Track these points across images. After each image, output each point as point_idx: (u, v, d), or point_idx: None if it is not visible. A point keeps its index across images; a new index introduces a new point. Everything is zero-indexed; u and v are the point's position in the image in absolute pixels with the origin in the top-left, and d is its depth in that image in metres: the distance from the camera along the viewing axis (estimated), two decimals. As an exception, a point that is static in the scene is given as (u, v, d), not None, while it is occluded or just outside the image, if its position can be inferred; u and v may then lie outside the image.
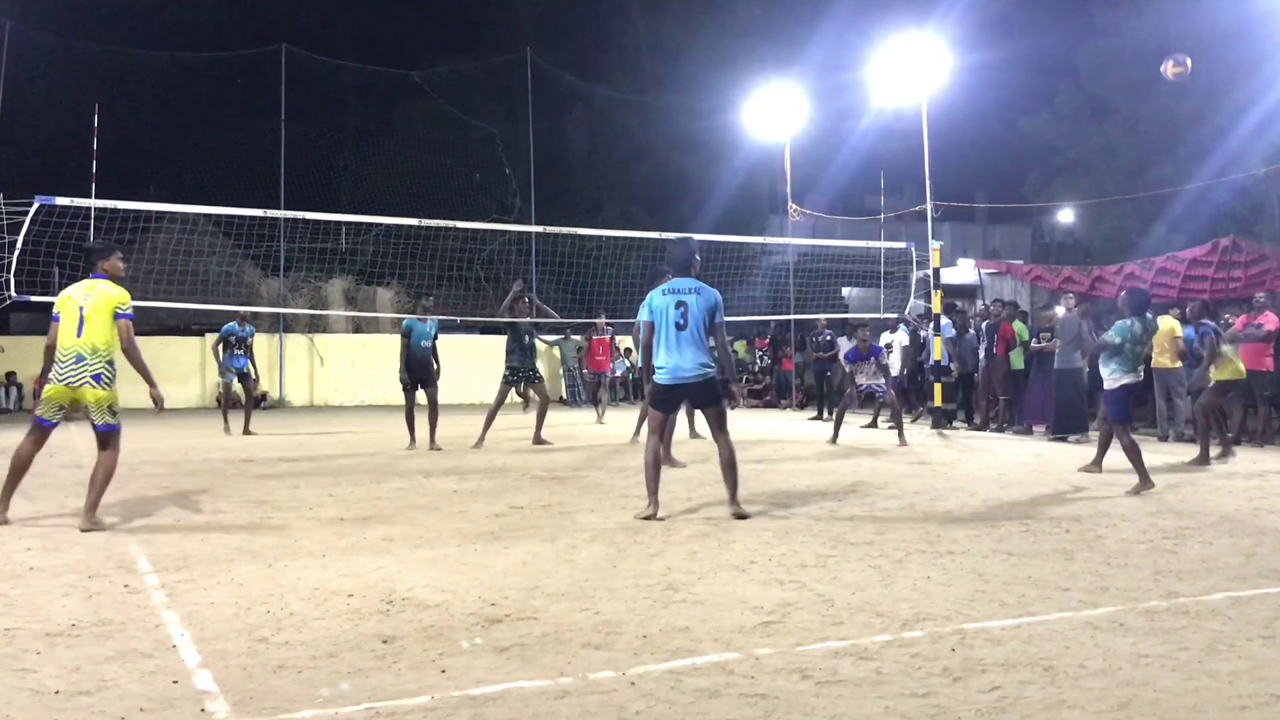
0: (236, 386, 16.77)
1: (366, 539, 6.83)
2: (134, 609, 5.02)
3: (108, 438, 7.49)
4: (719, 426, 7.78)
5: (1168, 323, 14.39)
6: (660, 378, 7.73)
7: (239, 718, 3.56)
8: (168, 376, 25.06)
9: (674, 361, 7.63)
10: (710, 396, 7.78)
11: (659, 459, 7.81)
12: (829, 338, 20.06)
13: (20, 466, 7.65)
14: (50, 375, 7.43)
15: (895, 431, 14.09)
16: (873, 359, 14.76)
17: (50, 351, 7.39)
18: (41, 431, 7.60)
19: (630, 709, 3.63)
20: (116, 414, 7.52)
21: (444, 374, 14.90)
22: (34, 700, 3.72)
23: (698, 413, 12.91)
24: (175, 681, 3.92)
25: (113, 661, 4.17)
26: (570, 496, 8.84)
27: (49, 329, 7.53)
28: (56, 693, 3.80)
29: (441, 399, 14.12)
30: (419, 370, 13.64)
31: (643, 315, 7.84)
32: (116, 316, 7.47)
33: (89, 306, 7.40)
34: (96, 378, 7.36)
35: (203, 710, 3.63)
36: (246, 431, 16.00)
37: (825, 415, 19.40)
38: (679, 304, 7.61)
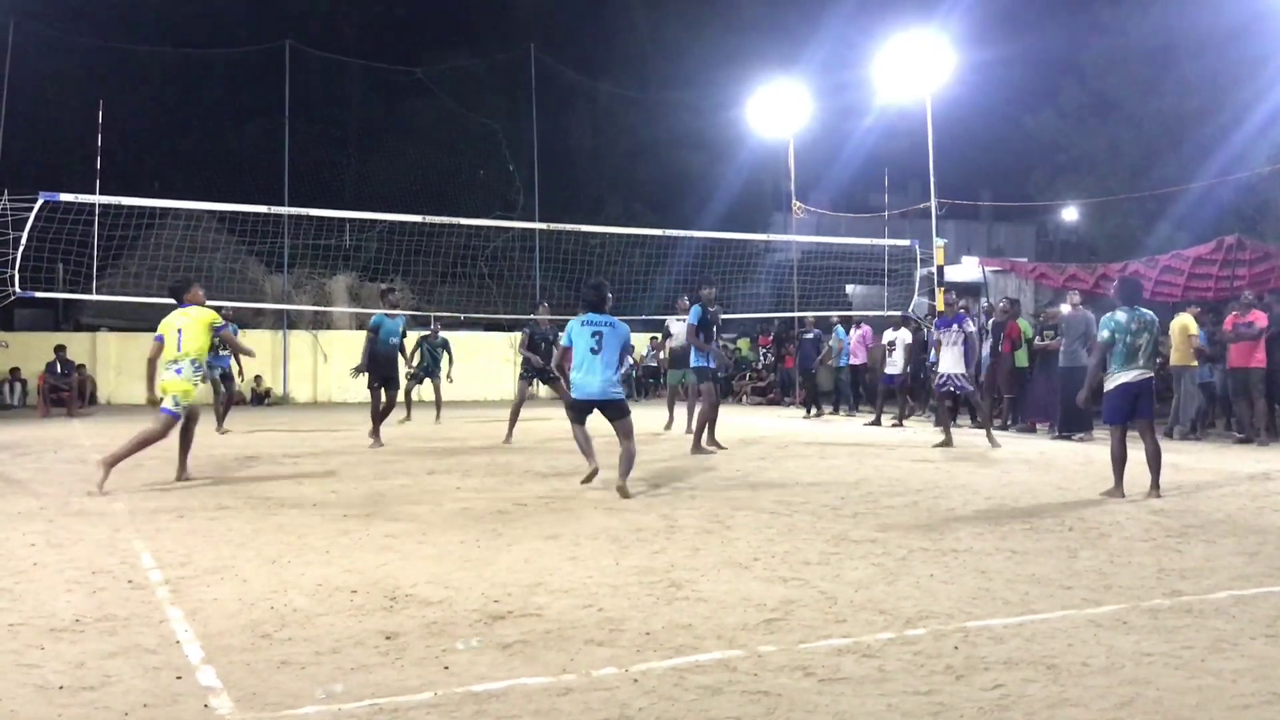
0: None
1: (370, 535, 6.84)
2: (138, 605, 5.03)
3: (165, 414, 9.76)
4: (626, 435, 9.00)
5: (1182, 320, 14.43)
6: (574, 392, 9.18)
7: (242, 714, 3.57)
8: (171, 373, 25.08)
9: (584, 380, 9.00)
10: (618, 411, 9.06)
11: (586, 434, 9.31)
12: (812, 335, 19.96)
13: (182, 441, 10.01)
14: (160, 375, 9.73)
15: (985, 432, 13.72)
16: (956, 326, 13.50)
17: (152, 364, 9.70)
18: (169, 421, 9.65)
19: (633, 706, 3.63)
20: (180, 400, 9.72)
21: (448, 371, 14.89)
22: (38, 695, 3.73)
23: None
24: (179, 677, 3.93)
25: (116, 657, 4.17)
26: (573, 494, 8.84)
27: (151, 347, 9.70)
28: (60, 688, 3.80)
29: (448, 395, 14.10)
30: (386, 367, 13.49)
31: (563, 340, 9.37)
32: (217, 330, 9.93)
33: (185, 327, 9.72)
34: (179, 371, 9.66)
35: (206, 706, 3.63)
36: (220, 429, 15.66)
37: (812, 413, 19.32)
38: (595, 333, 9.01)
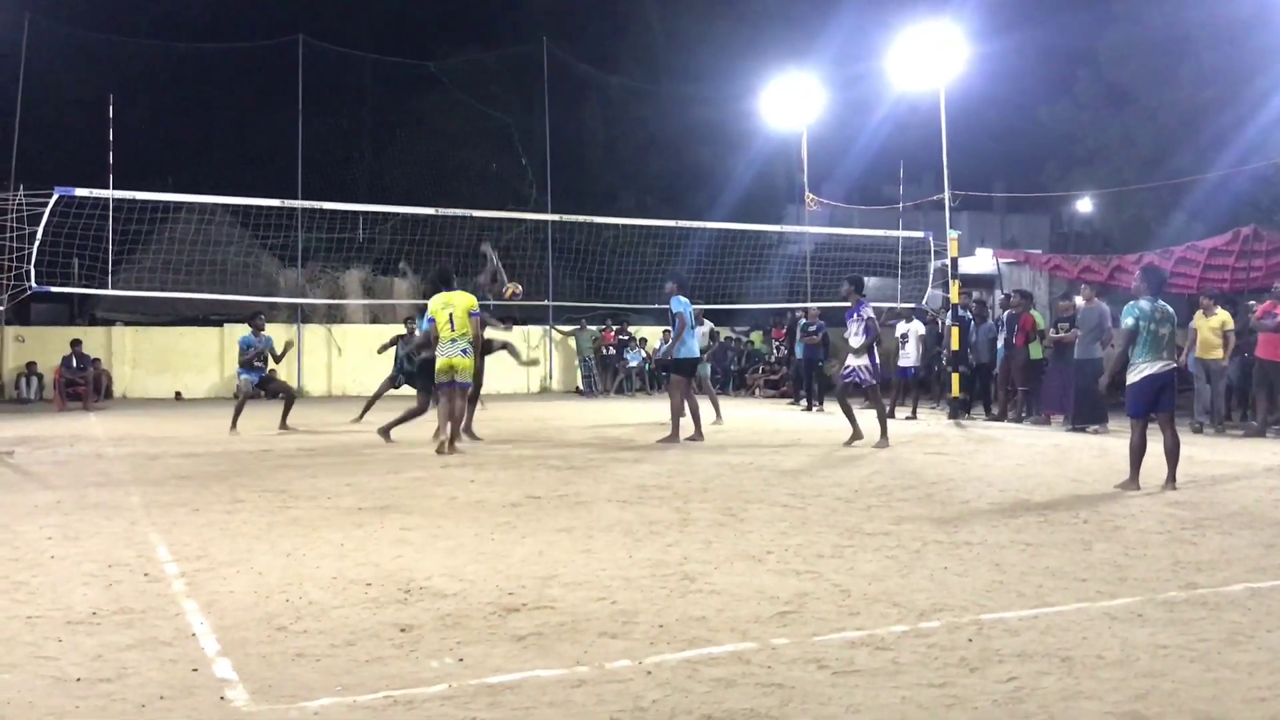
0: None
1: (384, 528, 6.86)
2: (154, 597, 5.06)
3: (463, 390, 11.55)
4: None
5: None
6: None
7: (258, 705, 3.59)
8: (185, 367, 25.27)
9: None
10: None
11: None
12: (815, 328, 19.88)
13: (446, 414, 11.66)
14: (437, 353, 11.46)
15: (881, 424, 12.47)
16: (855, 315, 12.51)
17: (431, 339, 11.52)
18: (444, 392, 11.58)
19: (647, 698, 3.64)
20: (469, 375, 11.58)
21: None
22: (55, 687, 3.76)
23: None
24: (195, 669, 3.96)
25: (133, 649, 4.20)
26: (586, 486, 8.85)
27: (429, 328, 11.58)
28: (78, 680, 3.83)
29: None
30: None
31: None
32: (471, 315, 11.38)
33: (455, 309, 11.37)
34: (464, 351, 11.37)
35: (222, 698, 3.65)
36: (233, 429, 14.59)
37: (814, 407, 19.16)
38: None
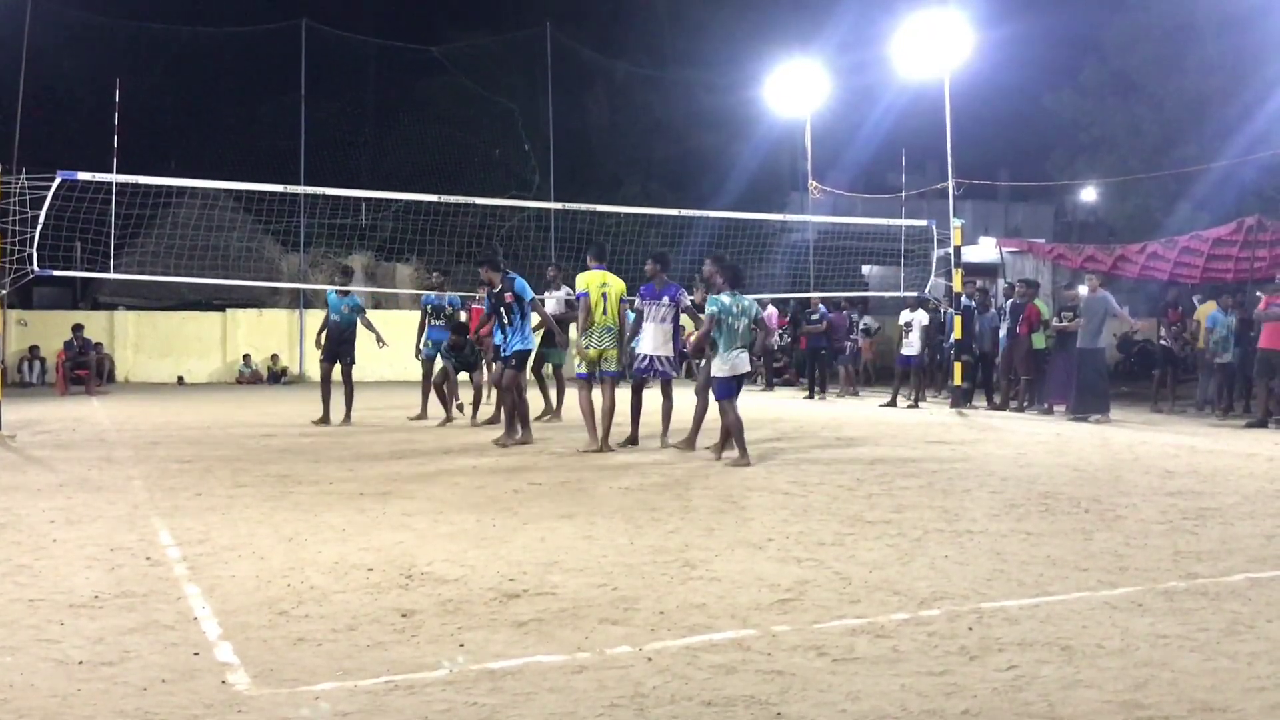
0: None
1: (386, 514, 6.87)
2: (156, 581, 5.07)
3: (613, 380, 10.54)
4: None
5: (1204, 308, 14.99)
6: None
7: (259, 689, 3.60)
8: (188, 352, 25.26)
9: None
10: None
11: None
12: (818, 315, 19.88)
13: (590, 410, 10.51)
14: (586, 340, 10.38)
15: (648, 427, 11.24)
16: (666, 298, 10.74)
17: (581, 318, 10.41)
18: (587, 383, 10.60)
19: (647, 684, 3.65)
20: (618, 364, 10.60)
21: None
22: (57, 670, 3.77)
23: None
24: (196, 653, 3.97)
25: (135, 633, 4.21)
26: (588, 473, 8.86)
27: (582, 301, 10.47)
28: (80, 663, 3.84)
29: (461, 375, 14.12)
30: (334, 344, 13.73)
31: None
32: (621, 301, 10.50)
33: (611, 292, 10.44)
34: (616, 340, 10.40)
35: (224, 682, 3.67)
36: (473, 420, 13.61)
37: (819, 394, 19.27)
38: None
